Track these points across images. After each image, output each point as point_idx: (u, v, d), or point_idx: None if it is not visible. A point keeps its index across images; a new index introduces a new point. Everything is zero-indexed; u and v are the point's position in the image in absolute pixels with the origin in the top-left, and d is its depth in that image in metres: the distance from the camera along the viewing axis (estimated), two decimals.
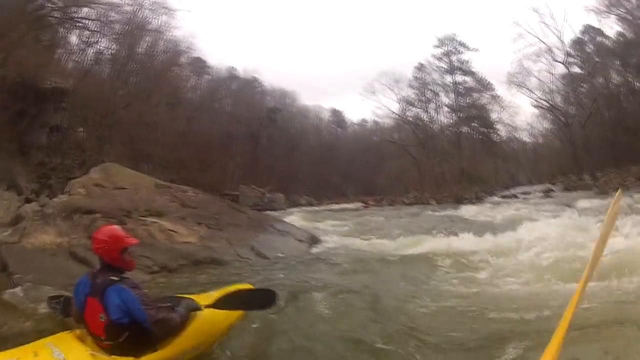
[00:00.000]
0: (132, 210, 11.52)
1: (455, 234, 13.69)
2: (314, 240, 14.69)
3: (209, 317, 4.68)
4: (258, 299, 4.76)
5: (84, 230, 10.03)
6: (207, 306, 4.64)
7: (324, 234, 16.34)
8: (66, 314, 4.56)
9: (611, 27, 47.86)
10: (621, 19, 45.69)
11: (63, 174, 22.28)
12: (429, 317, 6.09)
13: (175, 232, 11.24)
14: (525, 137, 67.56)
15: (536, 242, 9.99)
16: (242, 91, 60.53)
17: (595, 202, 22.12)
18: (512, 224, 14.86)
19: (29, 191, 19.87)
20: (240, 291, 5.08)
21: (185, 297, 4.83)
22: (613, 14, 45.88)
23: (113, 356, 3.90)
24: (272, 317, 5.69)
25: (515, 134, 65.38)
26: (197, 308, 4.62)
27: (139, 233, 10.02)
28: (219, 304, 4.67)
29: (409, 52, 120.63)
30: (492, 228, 14.82)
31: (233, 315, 5.05)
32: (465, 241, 12.39)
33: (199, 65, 55.10)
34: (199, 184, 17.82)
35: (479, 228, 15.21)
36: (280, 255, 11.84)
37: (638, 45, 44.02)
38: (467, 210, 27.09)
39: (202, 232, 11.73)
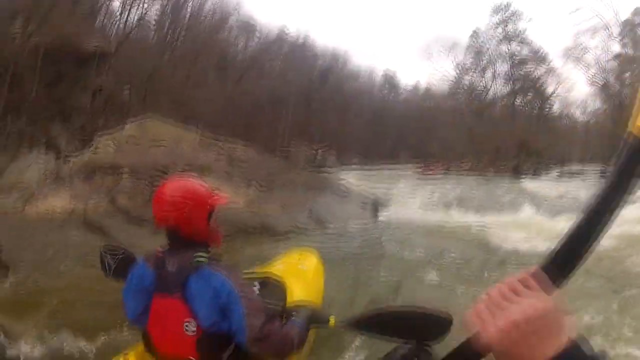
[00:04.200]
0: (169, 167, 9.74)
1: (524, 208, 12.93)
2: (377, 205, 13.22)
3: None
4: (421, 329, 2.38)
5: (106, 192, 8.31)
6: (345, 325, 2.65)
7: (383, 199, 14.69)
8: (119, 277, 2.94)
9: None
10: None
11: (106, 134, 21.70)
12: None
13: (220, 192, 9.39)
14: (577, 114, 65.72)
15: None
16: (293, 52, 59.16)
17: None
18: None
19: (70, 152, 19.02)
20: (396, 312, 2.68)
21: (303, 305, 3.09)
22: None
23: None
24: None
25: (569, 110, 63.73)
26: (324, 323, 2.85)
27: None
28: (360, 325, 2.60)
29: (463, 17, 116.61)
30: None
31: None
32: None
33: (248, 28, 53.78)
34: (249, 142, 16.42)
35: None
36: (341, 222, 10.36)
37: None
38: (533, 184, 25.78)
39: (251, 194, 10.05)
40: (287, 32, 60.80)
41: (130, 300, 2.60)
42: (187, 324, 2.41)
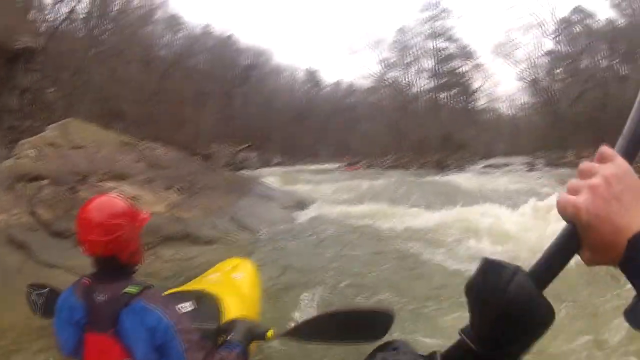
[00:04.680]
0: (88, 174, 9.61)
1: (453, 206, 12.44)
2: (300, 206, 13.47)
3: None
4: (364, 328, 2.52)
5: (27, 202, 8.08)
6: (285, 336, 2.80)
7: (308, 198, 14.82)
8: (48, 314, 2.76)
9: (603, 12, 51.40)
10: (614, 5, 45.89)
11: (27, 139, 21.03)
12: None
13: (140, 199, 9.33)
14: (504, 108, 69.57)
15: None
16: (217, 49, 59.66)
17: None
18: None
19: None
20: (336, 315, 2.79)
21: (239, 321, 2.90)
22: None
23: None
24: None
25: (495, 104, 66.87)
26: (263, 336, 2.78)
27: None
28: (301, 334, 2.77)
29: (393, 15, 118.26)
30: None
31: None
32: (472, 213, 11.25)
33: (174, 22, 54.30)
34: (170, 142, 16.41)
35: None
36: (265, 226, 10.52)
37: (627, 34, 43.89)
38: (458, 178, 26.15)
39: (172, 199, 10.04)
40: (211, 29, 60.84)
41: (62, 334, 2.37)
42: None
